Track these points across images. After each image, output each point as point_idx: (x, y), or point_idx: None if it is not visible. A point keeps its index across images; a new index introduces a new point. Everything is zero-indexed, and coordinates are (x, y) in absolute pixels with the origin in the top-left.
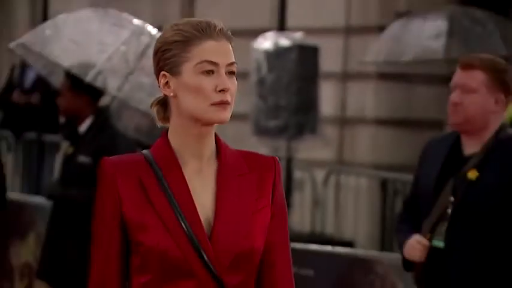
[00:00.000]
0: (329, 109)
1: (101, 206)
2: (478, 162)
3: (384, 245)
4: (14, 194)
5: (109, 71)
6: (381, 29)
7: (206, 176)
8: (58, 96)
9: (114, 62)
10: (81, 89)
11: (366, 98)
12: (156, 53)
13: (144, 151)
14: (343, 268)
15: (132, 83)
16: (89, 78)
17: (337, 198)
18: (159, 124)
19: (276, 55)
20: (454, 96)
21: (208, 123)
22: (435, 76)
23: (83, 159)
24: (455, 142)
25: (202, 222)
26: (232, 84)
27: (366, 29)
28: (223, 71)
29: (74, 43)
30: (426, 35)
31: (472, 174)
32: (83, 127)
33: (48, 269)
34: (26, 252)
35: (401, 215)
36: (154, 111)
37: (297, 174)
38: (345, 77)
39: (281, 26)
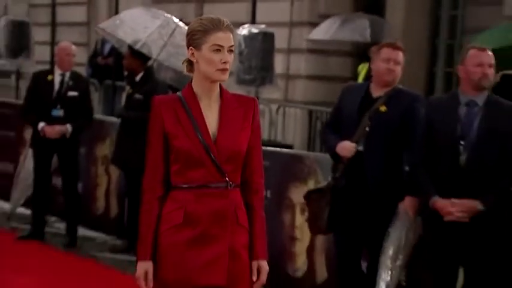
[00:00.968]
0: (280, 69)
1: (152, 124)
2: (384, 101)
3: (310, 147)
4: (98, 116)
5: (151, 43)
6: (310, 24)
7: (213, 108)
8: (123, 59)
9: (154, 37)
10: (136, 55)
11: (301, 63)
12: (187, 35)
13: (178, 93)
14: (286, 160)
15: (166, 51)
16: (137, 47)
17: (283, 121)
18: (186, 73)
19: (249, 38)
20: (391, 65)
21: (215, 81)
22: (343, 51)
23: (137, 96)
24: (366, 88)
25: (210, 134)
26: (231, 58)
27: (301, 23)
28: (226, 50)
29: (130, 28)
30: (350, 27)
31: (382, 108)
32: (138, 77)
33: (118, 158)
34: (105, 148)
35: (325, 130)
36: (184, 65)
37: (261, 107)
38: (289, 51)
39: (253, 21)
